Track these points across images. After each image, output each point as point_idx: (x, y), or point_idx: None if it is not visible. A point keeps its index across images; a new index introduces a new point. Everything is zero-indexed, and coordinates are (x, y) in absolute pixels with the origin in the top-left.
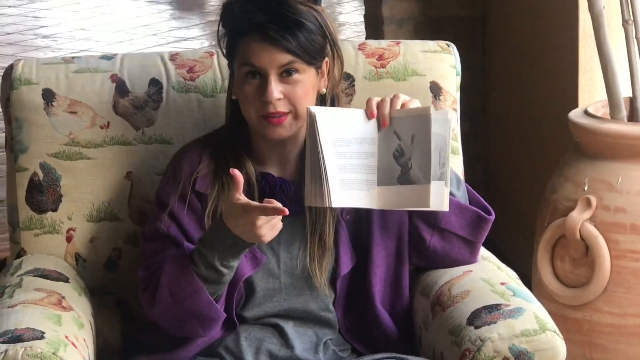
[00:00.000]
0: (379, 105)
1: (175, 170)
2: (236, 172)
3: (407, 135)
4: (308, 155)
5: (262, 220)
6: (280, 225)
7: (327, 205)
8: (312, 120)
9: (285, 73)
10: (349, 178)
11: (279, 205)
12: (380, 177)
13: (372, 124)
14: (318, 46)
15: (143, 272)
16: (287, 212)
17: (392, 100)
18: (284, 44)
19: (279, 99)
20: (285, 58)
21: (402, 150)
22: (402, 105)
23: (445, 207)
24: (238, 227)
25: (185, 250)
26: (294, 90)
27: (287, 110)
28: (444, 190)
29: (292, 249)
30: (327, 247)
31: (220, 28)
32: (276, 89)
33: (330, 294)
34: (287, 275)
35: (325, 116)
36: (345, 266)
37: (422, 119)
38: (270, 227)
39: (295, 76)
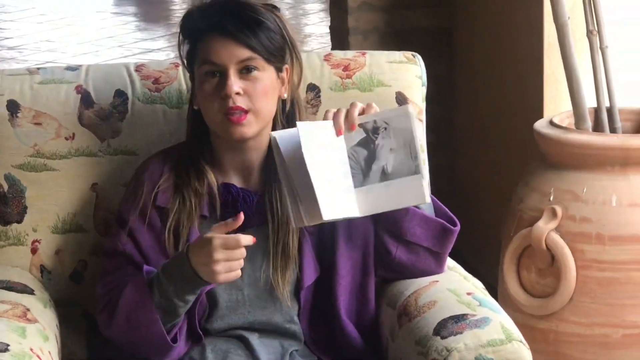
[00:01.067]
0: (335, 116)
1: (137, 186)
2: (240, 217)
3: (370, 137)
4: (282, 178)
5: (219, 254)
6: (238, 272)
7: (306, 225)
8: (275, 143)
9: (245, 70)
10: (327, 190)
11: (238, 217)
12: (356, 182)
13: (334, 134)
14: (277, 45)
15: (101, 289)
16: (241, 216)
17: (350, 109)
18: (242, 38)
19: (238, 94)
20: (244, 53)
21: (372, 154)
22: (363, 112)
23: (426, 199)
24: (199, 259)
25: (144, 276)
26: (254, 87)
27: (246, 107)
28: (421, 182)
29: (255, 260)
30: (290, 258)
31: (181, 38)
32: (235, 83)
33: (294, 305)
34: (251, 288)
35: (285, 135)
36: (309, 277)
37: (382, 120)
38: (227, 266)
39: (255, 73)
